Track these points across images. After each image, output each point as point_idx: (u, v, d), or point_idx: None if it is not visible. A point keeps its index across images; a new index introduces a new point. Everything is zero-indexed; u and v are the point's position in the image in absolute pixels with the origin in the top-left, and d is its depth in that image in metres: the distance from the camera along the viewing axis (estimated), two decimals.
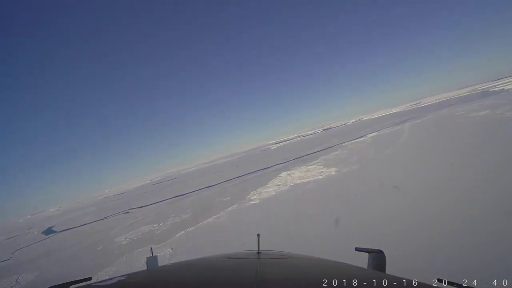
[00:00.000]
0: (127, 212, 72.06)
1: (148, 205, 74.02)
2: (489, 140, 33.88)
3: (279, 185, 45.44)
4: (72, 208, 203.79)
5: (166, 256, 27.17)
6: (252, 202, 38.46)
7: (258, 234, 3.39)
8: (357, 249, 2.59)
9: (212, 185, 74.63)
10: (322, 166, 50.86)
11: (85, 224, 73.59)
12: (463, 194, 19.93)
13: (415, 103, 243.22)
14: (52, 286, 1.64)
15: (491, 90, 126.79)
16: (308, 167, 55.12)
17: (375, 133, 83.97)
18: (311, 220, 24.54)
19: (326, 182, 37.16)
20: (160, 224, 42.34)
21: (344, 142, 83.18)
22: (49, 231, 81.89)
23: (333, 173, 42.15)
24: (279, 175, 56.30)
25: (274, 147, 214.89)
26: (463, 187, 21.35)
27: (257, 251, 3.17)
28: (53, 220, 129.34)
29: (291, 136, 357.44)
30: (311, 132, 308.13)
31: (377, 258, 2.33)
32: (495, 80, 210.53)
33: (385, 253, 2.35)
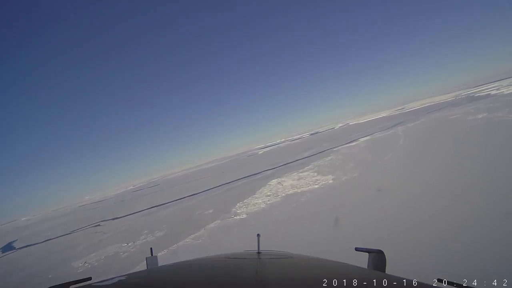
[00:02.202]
0: (98, 225, 64.17)
1: (122, 217, 66.42)
2: (498, 143, 30.90)
3: (269, 195, 40.00)
4: (44, 218, 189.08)
5: None
6: (238, 217, 32.81)
7: (258, 234, 3.28)
8: (357, 249, 2.53)
9: (195, 194, 68.14)
10: (316, 173, 45.97)
11: (49, 239, 64.86)
12: (473, 195, 19.09)
13: (400, 108, 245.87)
14: (52, 286, 1.65)
15: (476, 95, 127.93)
16: (300, 174, 50.11)
17: (368, 137, 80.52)
18: (311, 243, 19.23)
19: (324, 193, 32.13)
20: (129, 244, 35.72)
21: (335, 147, 79.14)
22: (8, 248, 71.99)
23: (330, 181, 37.25)
24: (269, 183, 50.89)
25: (261, 152, 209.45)
26: (475, 189, 20.19)
27: (257, 251, 3.08)
28: (19, 232, 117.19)
29: (278, 141, 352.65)
30: (298, 136, 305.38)
31: (377, 258, 2.28)
32: (476, 86, 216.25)
33: (385, 253, 2.28)
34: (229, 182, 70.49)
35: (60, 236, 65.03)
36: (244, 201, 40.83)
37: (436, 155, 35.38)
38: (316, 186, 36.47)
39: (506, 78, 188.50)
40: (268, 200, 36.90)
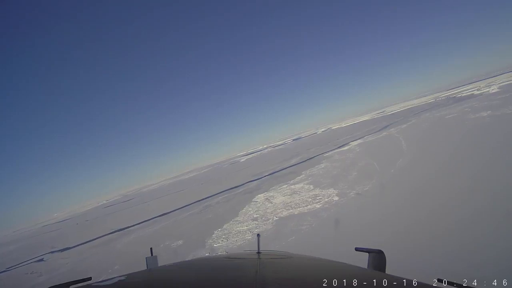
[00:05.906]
0: (42, 260, 51.33)
1: (74, 247, 54.11)
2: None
3: (256, 218, 30.86)
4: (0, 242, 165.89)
5: None
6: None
7: (258, 234, 3.26)
8: (357, 249, 2.53)
9: (166, 213, 57.30)
10: (312, 186, 37.54)
11: None
12: (480, 195, 17.93)
13: (380, 111, 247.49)
14: (52, 286, 1.65)
15: (458, 96, 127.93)
16: (292, 186, 41.48)
17: (359, 141, 74.00)
18: None
19: (335, 217, 23.44)
20: None
21: (325, 152, 71.82)
22: None
23: (335, 198, 28.82)
24: (254, 199, 41.76)
25: (244, 160, 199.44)
26: (482, 188, 18.82)
27: (257, 251, 3.06)
28: None
29: (260, 147, 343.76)
30: (281, 142, 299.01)
31: (377, 258, 2.27)
32: (449, 90, 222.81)
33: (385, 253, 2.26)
34: (208, 197, 60.41)
35: None
36: (224, 227, 31.34)
37: (454, 155, 29.38)
38: (318, 206, 27.84)
39: (484, 79, 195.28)
40: (256, 227, 27.77)
